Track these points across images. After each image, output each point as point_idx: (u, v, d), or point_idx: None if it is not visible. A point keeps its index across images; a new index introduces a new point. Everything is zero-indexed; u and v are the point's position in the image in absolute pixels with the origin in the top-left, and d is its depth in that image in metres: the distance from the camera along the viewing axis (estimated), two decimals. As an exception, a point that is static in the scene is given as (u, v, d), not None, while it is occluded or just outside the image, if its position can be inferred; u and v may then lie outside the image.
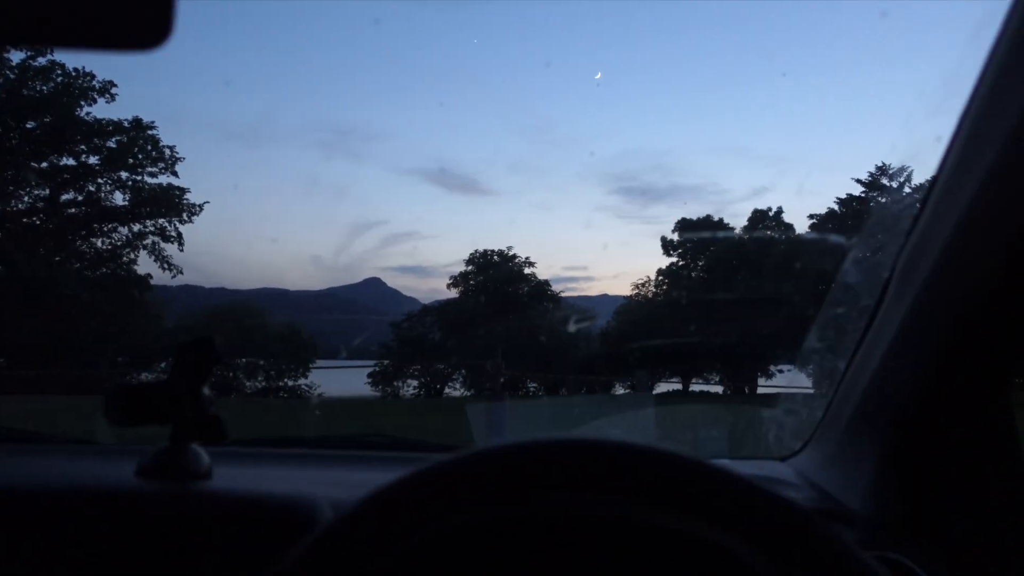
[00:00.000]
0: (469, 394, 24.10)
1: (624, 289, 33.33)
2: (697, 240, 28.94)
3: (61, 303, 20.94)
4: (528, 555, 0.69)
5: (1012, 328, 1.00)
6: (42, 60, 21.43)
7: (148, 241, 23.84)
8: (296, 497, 1.04)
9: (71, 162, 23.08)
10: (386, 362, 26.28)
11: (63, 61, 21.71)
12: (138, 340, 22.28)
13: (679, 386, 26.49)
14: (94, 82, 22.36)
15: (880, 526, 1.17)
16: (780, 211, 28.96)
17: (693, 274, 29.34)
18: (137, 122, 22.94)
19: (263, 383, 23.35)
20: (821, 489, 1.33)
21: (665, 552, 0.68)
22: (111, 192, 23.56)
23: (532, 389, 24.80)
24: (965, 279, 0.98)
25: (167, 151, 23.26)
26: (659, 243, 30.01)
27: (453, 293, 29.67)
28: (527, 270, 29.51)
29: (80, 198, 23.53)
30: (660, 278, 29.91)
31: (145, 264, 23.98)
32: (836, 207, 27.22)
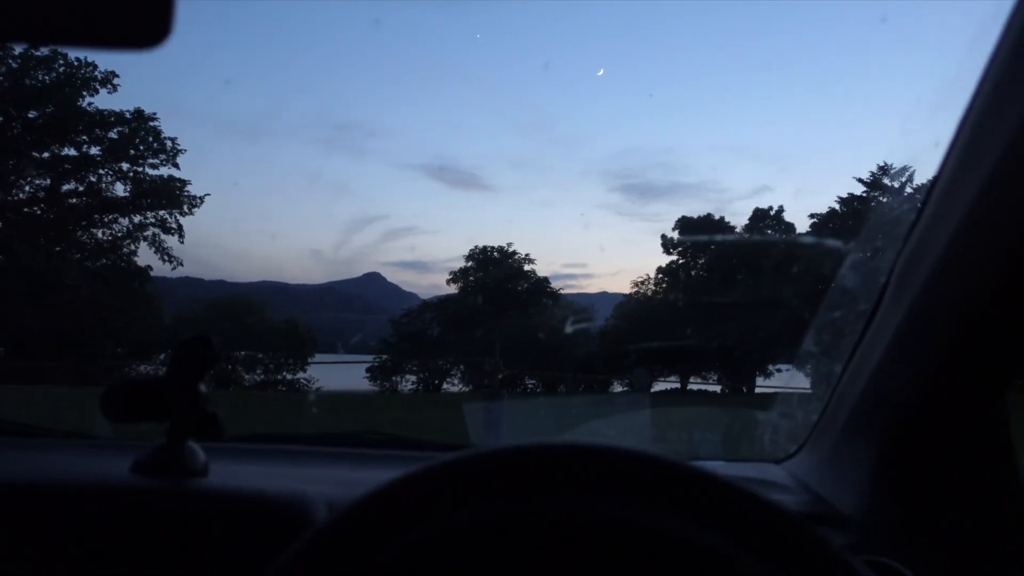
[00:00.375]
0: (467, 390, 24.12)
1: (624, 287, 33.45)
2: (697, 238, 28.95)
3: (61, 294, 20.94)
4: (519, 557, 0.69)
5: (1008, 333, 1.00)
6: (44, 50, 21.39)
7: (149, 232, 23.88)
8: (291, 495, 1.04)
9: (72, 152, 23.11)
10: (385, 357, 26.31)
11: (65, 51, 21.69)
12: (138, 331, 22.30)
13: (677, 385, 26.50)
14: (96, 72, 22.39)
15: (874, 530, 1.17)
16: (781, 210, 29.03)
17: (693, 272, 29.35)
18: (139, 113, 22.96)
19: (262, 376, 23.38)
20: (815, 492, 1.34)
21: (657, 554, 0.69)
22: (112, 183, 23.60)
23: (530, 386, 24.82)
24: (962, 284, 0.98)
25: (168, 143, 23.30)
26: (659, 241, 30.09)
27: (453, 289, 29.73)
28: (527, 267, 29.58)
29: (81, 188, 23.56)
30: (660, 276, 29.97)
31: (145, 256, 24.04)
32: (837, 206, 27.24)
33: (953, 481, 1.14)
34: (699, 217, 29.96)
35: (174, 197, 23.53)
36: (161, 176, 23.48)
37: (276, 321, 24.67)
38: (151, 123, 23.06)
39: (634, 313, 28.43)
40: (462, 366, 25.42)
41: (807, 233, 27.90)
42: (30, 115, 22.27)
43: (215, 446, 1.14)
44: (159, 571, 0.97)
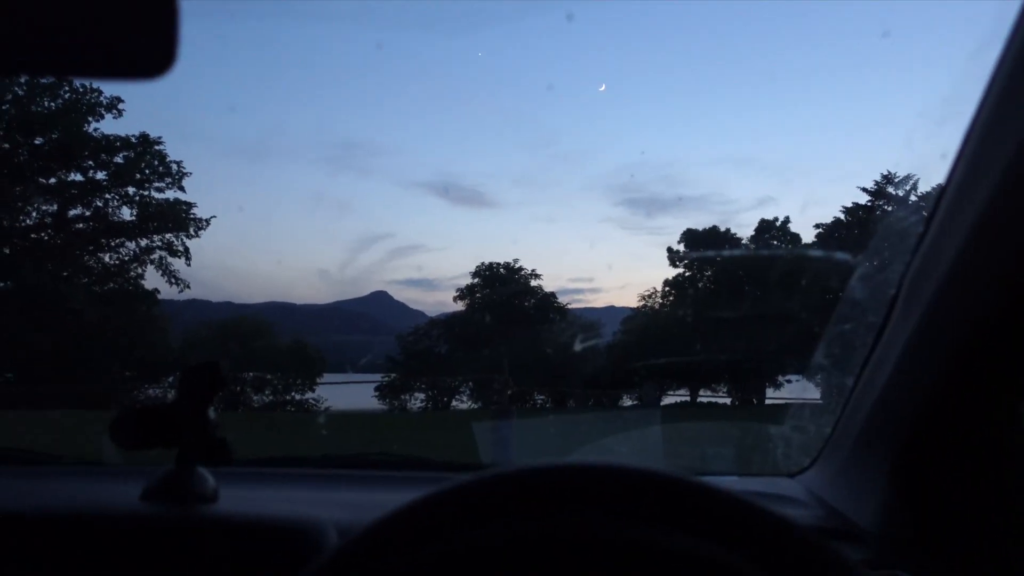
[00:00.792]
0: (476, 407, 24.05)
1: (631, 300, 33.36)
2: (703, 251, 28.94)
3: (68, 318, 21.01)
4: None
5: (1019, 344, 1.00)
6: (49, 77, 21.56)
7: (155, 256, 23.92)
8: (301, 520, 1.03)
9: (79, 178, 23.21)
10: (393, 375, 26.27)
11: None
12: (146, 354, 22.33)
13: (687, 398, 26.39)
14: (101, 98, 22.51)
15: (889, 544, 1.16)
16: (787, 221, 29.00)
17: (700, 285, 29.30)
18: (144, 137, 23.07)
19: (270, 397, 23.36)
20: (830, 506, 1.32)
21: (668, 573, 0.68)
22: (118, 207, 23.68)
23: (539, 402, 24.73)
24: (972, 295, 0.98)
25: (174, 166, 23.39)
26: (665, 254, 30.07)
27: (460, 306, 29.72)
28: (533, 282, 29.56)
29: (88, 213, 23.64)
30: (667, 289, 29.91)
31: (152, 279, 24.09)
32: (842, 216, 27.21)
33: (967, 493, 1.13)
34: (705, 229, 29.99)
35: (180, 220, 23.61)
36: (167, 199, 23.59)
37: (284, 342, 24.68)
38: (156, 147, 23.18)
39: (642, 327, 28.36)
40: (471, 383, 25.36)
41: (813, 244, 27.87)
42: (36, 141, 22.41)
43: (224, 470, 1.13)
44: None
